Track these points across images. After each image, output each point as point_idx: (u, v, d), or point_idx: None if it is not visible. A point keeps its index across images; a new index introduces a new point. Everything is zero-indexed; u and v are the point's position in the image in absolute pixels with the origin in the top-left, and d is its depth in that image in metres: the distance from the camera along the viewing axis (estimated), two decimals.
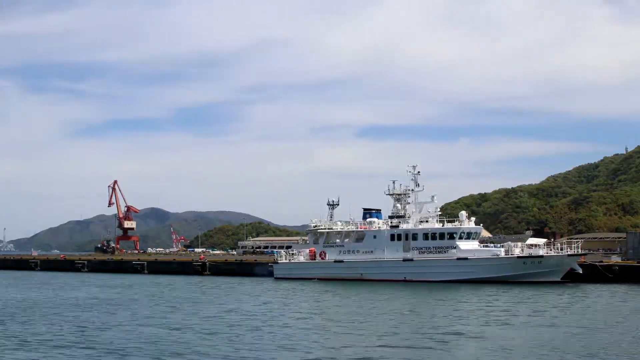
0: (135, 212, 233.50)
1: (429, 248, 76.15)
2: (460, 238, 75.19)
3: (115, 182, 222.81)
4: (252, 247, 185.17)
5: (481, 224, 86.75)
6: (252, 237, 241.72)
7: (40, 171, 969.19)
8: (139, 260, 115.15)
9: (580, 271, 70.33)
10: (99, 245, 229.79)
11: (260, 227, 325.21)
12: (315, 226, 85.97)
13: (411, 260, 76.54)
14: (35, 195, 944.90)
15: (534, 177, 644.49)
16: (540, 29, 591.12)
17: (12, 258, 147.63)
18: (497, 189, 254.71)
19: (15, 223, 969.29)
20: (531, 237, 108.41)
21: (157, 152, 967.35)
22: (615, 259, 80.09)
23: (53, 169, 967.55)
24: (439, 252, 75.54)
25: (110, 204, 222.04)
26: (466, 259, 73.64)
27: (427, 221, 78.69)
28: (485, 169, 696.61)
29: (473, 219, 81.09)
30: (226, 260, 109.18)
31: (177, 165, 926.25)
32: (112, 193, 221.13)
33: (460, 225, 76.78)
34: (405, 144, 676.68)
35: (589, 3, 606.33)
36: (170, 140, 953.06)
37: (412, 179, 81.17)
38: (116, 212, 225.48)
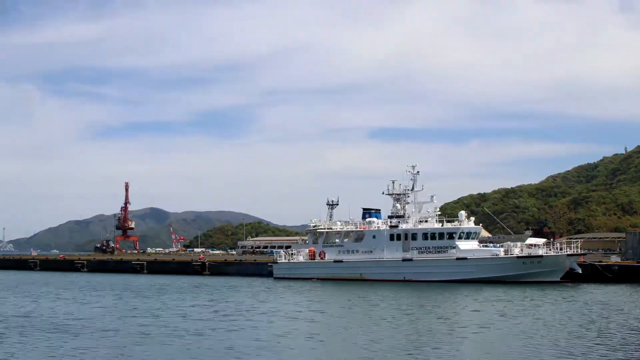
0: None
1: (429, 248, 76.14)
2: (460, 238, 75.19)
3: (127, 183, 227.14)
4: (252, 247, 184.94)
5: (480, 224, 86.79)
6: (252, 237, 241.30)
7: (41, 171, 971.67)
8: (138, 260, 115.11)
9: (580, 271, 70.36)
10: (99, 245, 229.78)
11: (259, 227, 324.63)
12: (315, 226, 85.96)
13: (410, 260, 76.53)
14: (35, 195, 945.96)
15: (534, 177, 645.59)
16: (554, 36, 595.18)
17: (11, 258, 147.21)
18: (496, 188, 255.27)
19: (15, 223, 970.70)
20: (530, 237, 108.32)
21: (163, 153, 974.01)
22: (615, 259, 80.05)
23: (54, 169, 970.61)
24: (439, 252, 75.54)
25: (127, 203, 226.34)
26: (465, 258, 73.66)
27: (426, 221, 78.69)
28: (486, 169, 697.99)
29: (472, 218, 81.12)
30: (226, 260, 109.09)
31: (178, 166, 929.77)
32: (126, 194, 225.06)
33: (460, 225, 76.78)
34: (412, 146, 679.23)
35: (605, 10, 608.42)
36: (181, 143, 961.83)
37: (411, 179, 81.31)
38: (116, 212, 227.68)
